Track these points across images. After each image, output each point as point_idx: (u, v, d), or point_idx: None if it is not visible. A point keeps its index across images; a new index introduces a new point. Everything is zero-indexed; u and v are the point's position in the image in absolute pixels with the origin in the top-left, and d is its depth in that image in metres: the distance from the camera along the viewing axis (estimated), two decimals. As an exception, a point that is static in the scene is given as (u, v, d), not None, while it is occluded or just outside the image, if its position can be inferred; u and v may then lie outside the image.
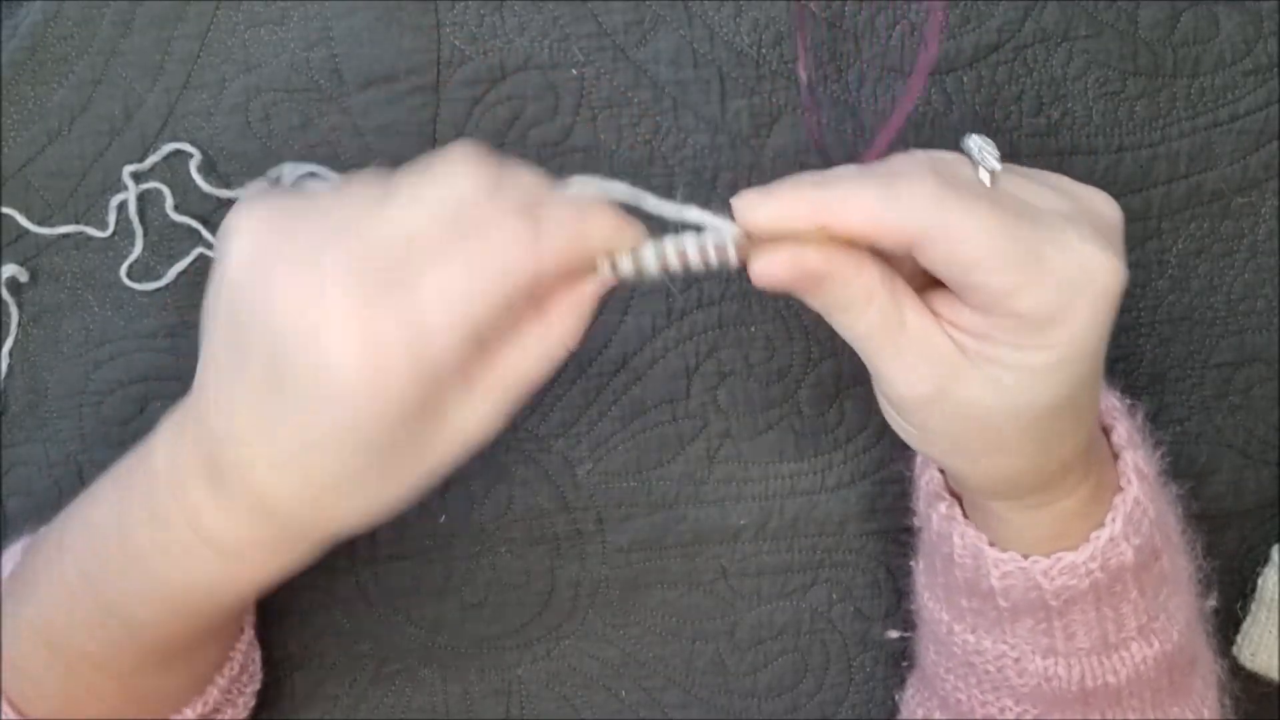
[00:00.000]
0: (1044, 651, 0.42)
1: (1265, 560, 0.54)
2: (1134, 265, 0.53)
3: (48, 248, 0.50)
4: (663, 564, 0.53)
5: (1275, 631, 0.53)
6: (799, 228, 0.33)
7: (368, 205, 0.32)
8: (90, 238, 0.50)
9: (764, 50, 0.50)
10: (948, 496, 0.43)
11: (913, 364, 0.35)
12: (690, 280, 0.51)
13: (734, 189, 0.51)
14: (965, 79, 0.51)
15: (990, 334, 0.34)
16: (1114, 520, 0.40)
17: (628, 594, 0.53)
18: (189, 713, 0.43)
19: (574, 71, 0.50)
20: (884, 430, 0.52)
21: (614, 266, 0.34)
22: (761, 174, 0.51)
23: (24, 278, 0.50)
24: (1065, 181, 0.37)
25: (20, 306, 0.50)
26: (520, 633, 0.53)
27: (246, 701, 0.48)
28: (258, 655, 0.49)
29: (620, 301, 0.51)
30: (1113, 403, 0.43)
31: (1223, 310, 0.53)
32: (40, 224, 0.50)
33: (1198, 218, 0.52)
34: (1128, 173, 0.52)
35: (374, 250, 0.31)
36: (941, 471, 0.44)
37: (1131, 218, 0.52)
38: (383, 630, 0.53)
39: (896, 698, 0.52)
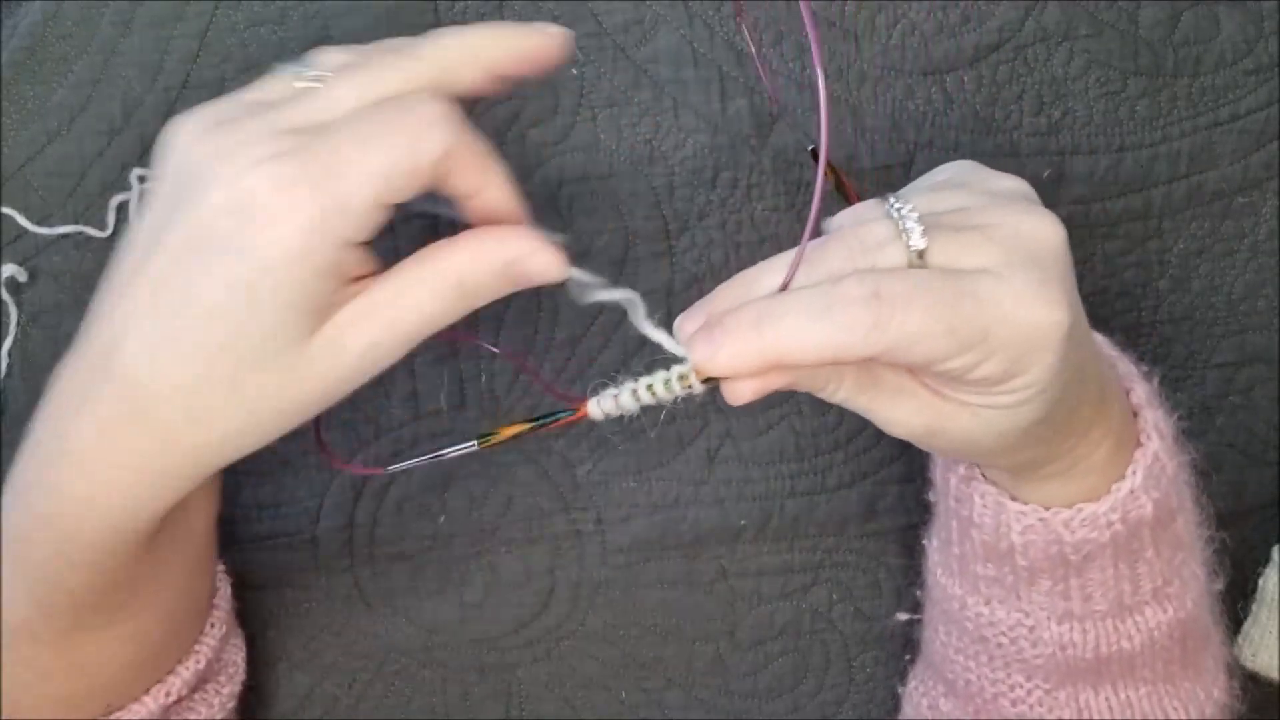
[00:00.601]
0: (1060, 616, 0.42)
1: (1265, 560, 0.54)
2: (1135, 265, 0.53)
3: (47, 248, 0.50)
4: (663, 564, 0.53)
5: (1275, 631, 0.53)
6: (754, 369, 0.35)
7: (294, 102, 0.34)
8: (90, 238, 0.50)
9: (764, 50, 0.50)
10: (964, 460, 0.44)
11: (900, 413, 0.37)
12: (690, 280, 0.51)
13: (734, 189, 0.51)
14: (965, 79, 0.51)
15: (959, 388, 0.36)
16: (1135, 473, 0.41)
17: (628, 594, 0.53)
18: (150, 702, 0.42)
19: (574, 71, 0.50)
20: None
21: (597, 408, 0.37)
22: (761, 174, 0.51)
23: (23, 277, 0.50)
24: (994, 211, 0.36)
25: (20, 306, 0.50)
26: (520, 633, 0.53)
27: (224, 703, 0.46)
28: (240, 656, 0.48)
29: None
30: (1130, 367, 0.44)
31: (1223, 310, 0.53)
32: (39, 224, 0.50)
33: (1198, 217, 0.52)
34: (1128, 172, 0.52)
35: (293, 122, 0.33)
36: None
37: (1132, 217, 0.52)
38: (383, 630, 0.53)
39: (899, 691, 0.52)
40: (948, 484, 0.44)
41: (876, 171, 0.51)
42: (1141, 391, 0.43)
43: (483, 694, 0.53)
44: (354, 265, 0.34)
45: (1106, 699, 0.44)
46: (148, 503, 0.36)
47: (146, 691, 0.43)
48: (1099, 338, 0.43)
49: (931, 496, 0.47)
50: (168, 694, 0.43)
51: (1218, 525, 0.53)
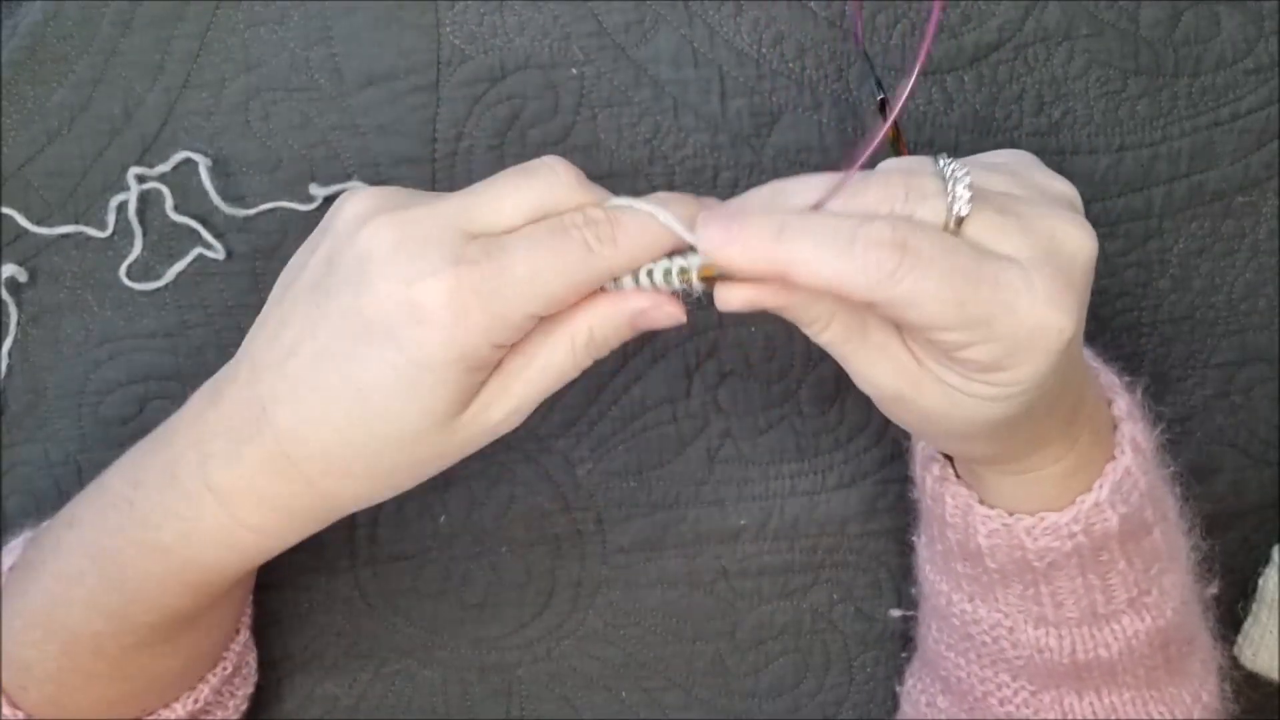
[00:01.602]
0: (1035, 620, 0.43)
1: (1266, 560, 0.54)
2: (1135, 265, 0.53)
3: (47, 248, 0.50)
4: (663, 564, 0.53)
5: (1276, 631, 0.53)
6: (759, 272, 0.35)
7: (470, 193, 0.36)
8: (90, 238, 0.50)
9: (764, 50, 0.50)
10: (940, 459, 0.44)
11: (876, 369, 0.37)
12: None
13: (734, 189, 0.51)
14: (966, 78, 0.51)
15: (943, 362, 0.36)
16: (1101, 486, 0.41)
17: (628, 594, 0.53)
18: (179, 709, 0.44)
19: (574, 71, 0.50)
20: (884, 430, 0.52)
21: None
22: (762, 173, 0.51)
23: (23, 278, 0.50)
24: (1039, 207, 0.36)
25: (20, 306, 0.50)
26: (520, 633, 0.53)
27: (238, 704, 0.48)
28: (253, 658, 0.49)
29: (620, 301, 0.51)
30: (1113, 379, 0.44)
31: (1224, 310, 0.53)
32: (39, 224, 0.50)
33: (1199, 217, 0.52)
34: (1129, 172, 0.52)
35: (471, 225, 0.35)
36: None
37: (1132, 217, 0.52)
38: (383, 630, 0.53)
39: (897, 690, 0.52)
40: (924, 482, 0.45)
41: (877, 171, 0.51)
42: (1123, 405, 0.43)
43: (483, 693, 0.53)
44: (502, 355, 0.36)
45: (1090, 703, 0.44)
46: (285, 540, 0.39)
47: (177, 698, 0.44)
48: (1085, 350, 0.43)
49: (914, 494, 0.47)
50: (196, 701, 0.44)
51: (1218, 525, 0.53)
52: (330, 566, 0.52)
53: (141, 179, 0.50)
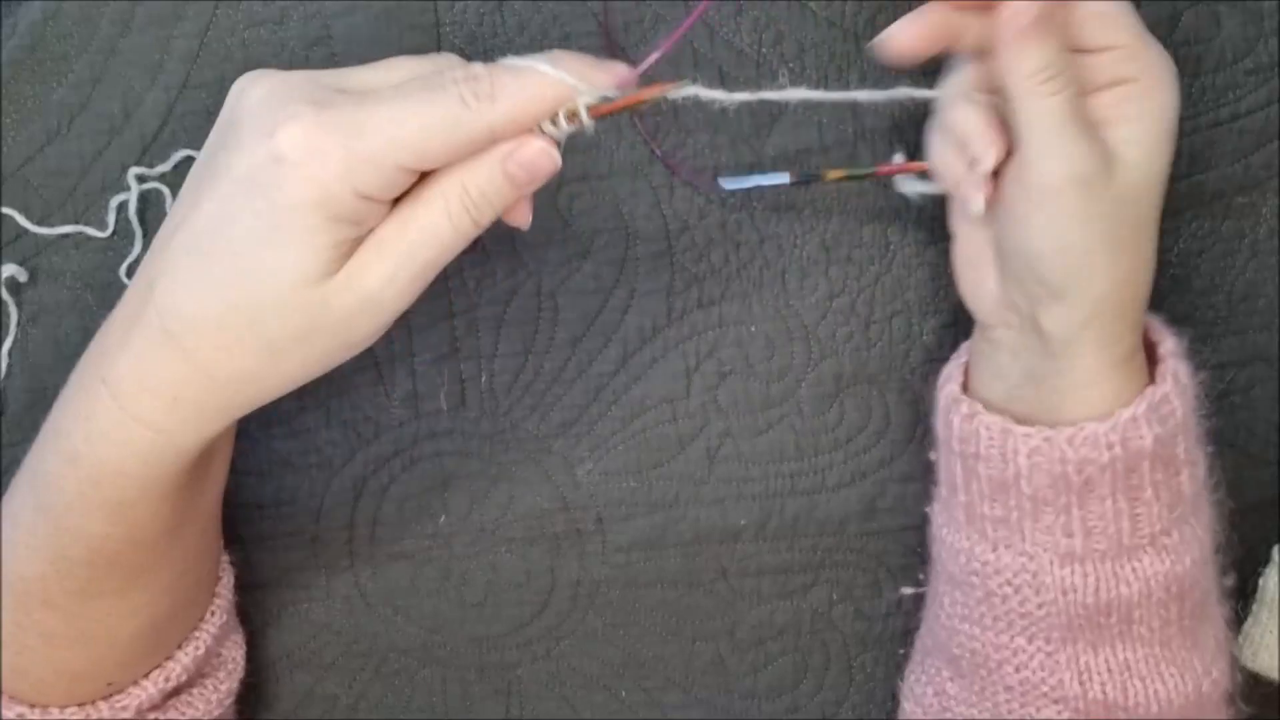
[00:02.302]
0: (1062, 556, 0.43)
1: (1265, 560, 0.54)
2: (1134, 265, 0.53)
3: (47, 247, 0.50)
4: (662, 564, 0.53)
5: (1276, 631, 0.53)
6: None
7: (348, 69, 0.37)
8: (90, 237, 0.50)
9: (764, 50, 0.50)
10: (966, 399, 0.45)
11: (1087, 147, 0.40)
12: (690, 280, 0.51)
13: (734, 189, 0.51)
14: (966, 78, 0.51)
15: (1110, 115, 0.41)
16: (1140, 403, 0.42)
17: (628, 594, 0.53)
18: (149, 686, 0.43)
19: (574, 71, 0.50)
20: (884, 429, 0.53)
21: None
22: (761, 174, 0.51)
23: (23, 278, 0.50)
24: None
25: (20, 306, 0.50)
26: (520, 632, 0.53)
27: (221, 699, 0.47)
28: (239, 653, 0.48)
29: (620, 301, 0.51)
30: (1161, 326, 0.46)
31: (1223, 309, 0.53)
32: (39, 224, 0.50)
33: (1198, 217, 0.52)
34: (1128, 172, 0.52)
35: (344, 84, 0.36)
36: (961, 387, 0.46)
37: (1132, 217, 0.52)
38: (382, 630, 0.53)
39: (899, 685, 0.52)
40: (950, 428, 0.45)
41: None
42: (1171, 343, 0.45)
43: (483, 693, 0.53)
44: (376, 216, 0.36)
45: (1105, 659, 0.44)
46: (178, 437, 0.37)
47: (146, 675, 0.43)
48: None
49: (933, 455, 0.48)
50: (167, 679, 0.43)
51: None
52: (330, 565, 0.52)
53: (142, 179, 0.50)
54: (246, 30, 0.49)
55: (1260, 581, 0.54)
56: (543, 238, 0.50)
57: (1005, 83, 0.40)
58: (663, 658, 0.53)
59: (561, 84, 0.36)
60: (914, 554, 0.53)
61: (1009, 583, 0.45)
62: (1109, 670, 0.44)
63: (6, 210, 0.50)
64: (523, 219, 0.39)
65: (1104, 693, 0.44)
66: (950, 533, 0.47)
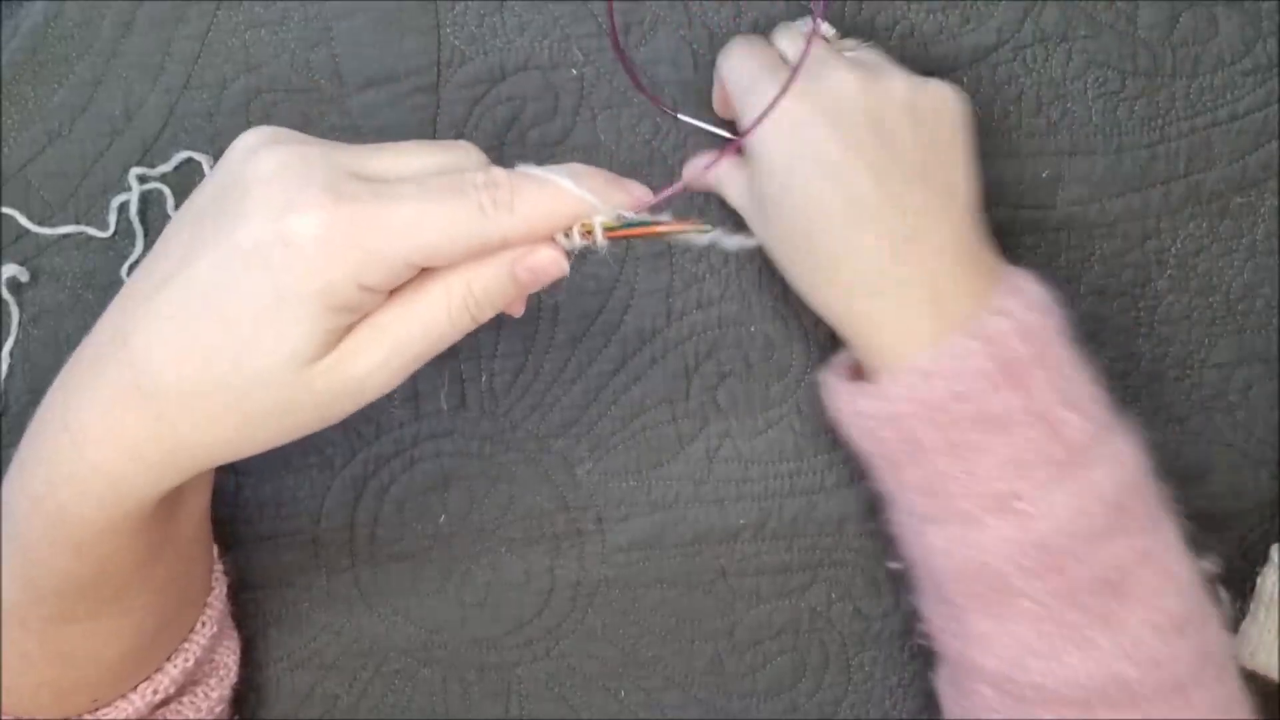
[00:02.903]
0: (921, 518, 0.44)
1: (1265, 560, 0.54)
2: (1133, 265, 0.53)
3: (48, 248, 0.50)
4: (662, 564, 0.53)
5: (1275, 631, 0.53)
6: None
7: (374, 145, 0.36)
8: (91, 238, 0.50)
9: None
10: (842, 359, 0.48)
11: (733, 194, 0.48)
12: (690, 281, 0.51)
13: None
14: (965, 79, 0.51)
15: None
16: (936, 351, 0.42)
17: (627, 594, 0.53)
18: (136, 699, 0.42)
19: (574, 71, 0.50)
20: (883, 430, 0.53)
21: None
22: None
23: (24, 278, 0.50)
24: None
25: (21, 306, 0.50)
26: (519, 632, 0.53)
27: (212, 705, 0.46)
28: (233, 659, 0.48)
29: (620, 301, 0.51)
30: (1019, 283, 0.44)
31: (1222, 310, 0.53)
32: (41, 224, 0.50)
33: (1196, 217, 0.52)
34: (1127, 172, 0.52)
35: (363, 170, 0.35)
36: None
37: (1130, 217, 0.52)
38: (382, 630, 0.53)
39: (932, 683, 0.52)
40: (837, 401, 0.48)
41: (875, 172, 0.51)
42: (1013, 317, 0.42)
43: (482, 693, 0.53)
44: (374, 304, 0.35)
45: (1001, 631, 0.43)
46: (139, 488, 0.36)
47: (134, 689, 0.43)
48: (1011, 268, 0.44)
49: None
50: (154, 692, 0.43)
51: (1216, 525, 0.53)
52: (330, 565, 0.52)
53: (143, 179, 0.50)
54: (248, 32, 0.49)
55: (1259, 581, 0.54)
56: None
57: None
58: (662, 657, 0.54)
59: (581, 202, 0.35)
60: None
61: (915, 545, 0.46)
62: (1005, 643, 0.43)
63: (8, 211, 0.50)
64: (517, 310, 0.39)
65: (1003, 668, 0.43)
66: (893, 510, 0.48)
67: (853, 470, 0.53)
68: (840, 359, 0.48)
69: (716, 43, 0.50)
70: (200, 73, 0.49)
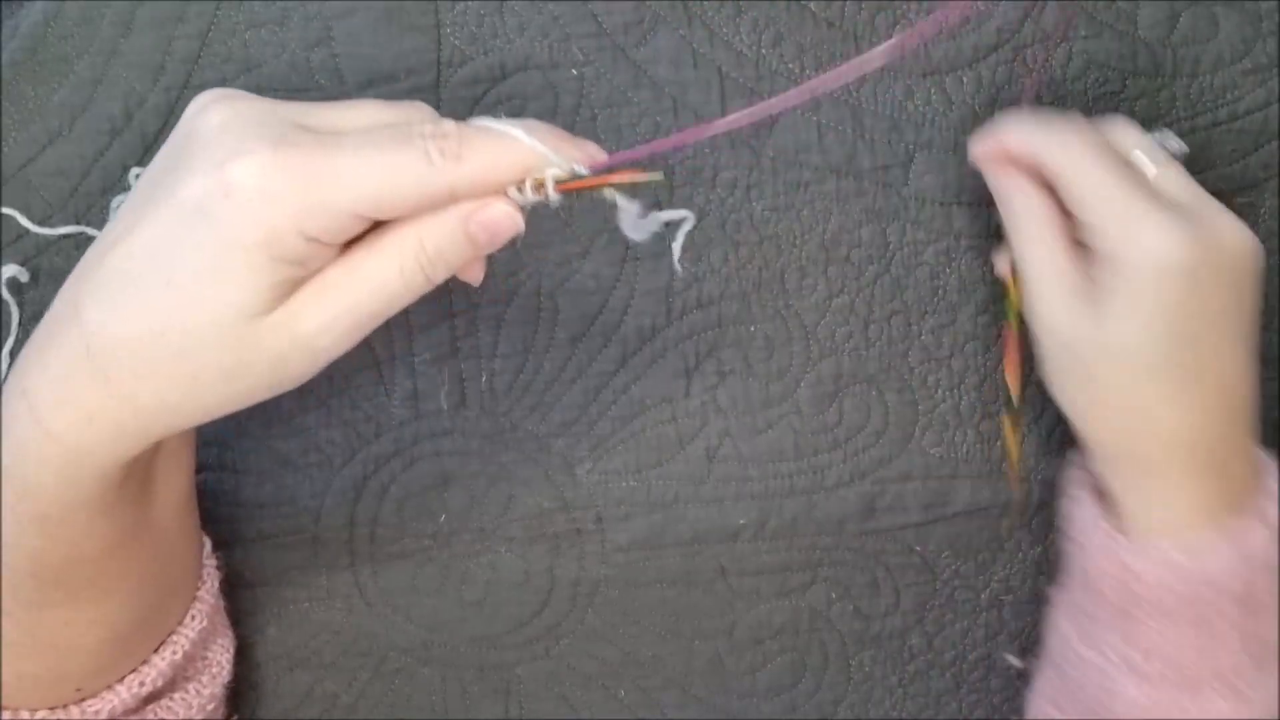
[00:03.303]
0: (1130, 671, 0.44)
1: (1264, 560, 0.54)
2: (1133, 265, 0.53)
3: (48, 248, 0.50)
4: (662, 563, 0.53)
5: (1275, 631, 0.53)
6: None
7: (324, 103, 0.36)
8: (91, 238, 0.50)
9: (764, 50, 0.50)
10: (1081, 476, 0.48)
11: (1063, 296, 0.44)
12: (690, 281, 0.51)
13: (734, 189, 0.51)
14: (965, 79, 0.51)
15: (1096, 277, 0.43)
16: (1212, 529, 0.43)
17: (627, 593, 0.53)
18: (123, 690, 0.42)
19: (574, 71, 0.50)
20: (883, 429, 0.53)
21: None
22: (761, 174, 0.51)
23: (24, 278, 0.50)
24: (1214, 205, 0.44)
25: (21, 307, 0.50)
26: (519, 631, 0.53)
27: (203, 703, 0.46)
28: (226, 657, 0.48)
29: (620, 301, 0.51)
30: (1274, 466, 0.45)
31: (1222, 310, 0.53)
32: (41, 224, 0.50)
33: (1197, 218, 0.52)
34: (1127, 173, 0.52)
35: (310, 122, 0.35)
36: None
37: (1130, 218, 0.52)
38: (382, 629, 0.53)
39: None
40: (1064, 506, 0.49)
41: (876, 171, 0.51)
42: (1273, 484, 0.44)
43: (482, 692, 0.54)
44: (322, 260, 0.34)
45: None
46: (97, 457, 0.36)
47: (120, 680, 0.42)
48: (1270, 460, 0.46)
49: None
50: (141, 684, 0.43)
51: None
52: (329, 565, 0.52)
53: (126, 200, 0.50)
54: (248, 31, 0.49)
55: (1259, 581, 0.54)
56: (543, 238, 0.51)
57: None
58: (661, 657, 0.54)
59: (531, 152, 0.35)
60: (912, 553, 0.53)
61: (1096, 682, 0.45)
62: None
63: (7, 211, 0.50)
64: (475, 276, 0.38)
65: None
66: (1061, 617, 0.49)
67: (853, 470, 0.53)
68: (1084, 480, 0.48)
69: (716, 43, 0.50)
70: (200, 73, 0.49)
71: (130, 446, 0.36)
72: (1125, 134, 0.46)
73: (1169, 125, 0.52)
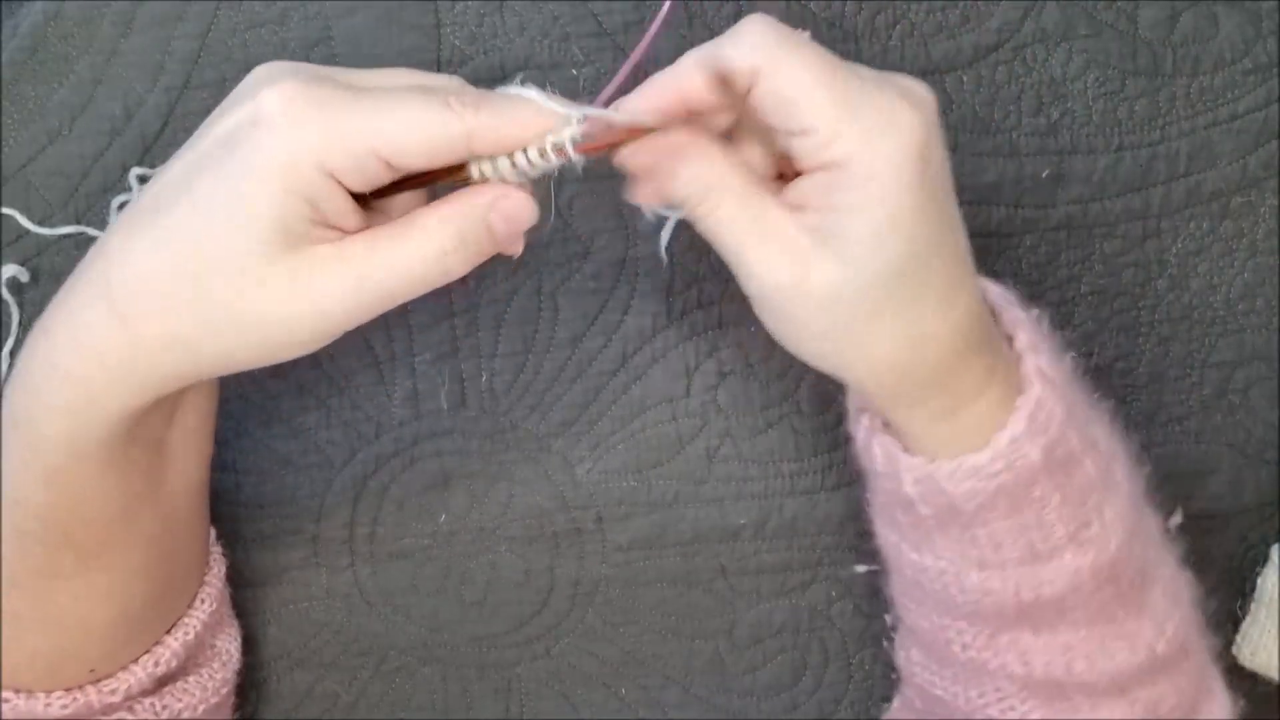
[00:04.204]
0: (976, 564, 0.42)
1: (1264, 560, 0.55)
2: (1133, 265, 0.53)
3: (48, 248, 0.50)
4: (662, 563, 0.53)
5: (1275, 631, 0.53)
6: (647, 121, 0.37)
7: (355, 70, 0.38)
8: (91, 238, 0.50)
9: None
10: (868, 411, 0.44)
11: (773, 253, 0.38)
12: (690, 281, 0.51)
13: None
14: (965, 79, 0.51)
15: (821, 203, 0.37)
16: (1016, 420, 0.40)
17: (627, 592, 0.53)
18: (138, 670, 0.42)
19: (574, 71, 0.50)
20: (883, 429, 0.53)
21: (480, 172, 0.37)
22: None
23: (25, 278, 0.50)
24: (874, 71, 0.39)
25: (21, 307, 0.50)
26: (520, 631, 0.53)
27: (217, 687, 0.46)
28: (234, 646, 0.48)
29: (620, 301, 0.51)
30: (1017, 313, 0.43)
31: (1222, 310, 0.53)
32: (41, 224, 0.50)
33: (1197, 217, 0.52)
34: (1127, 172, 0.52)
35: (340, 76, 0.36)
36: None
37: (1130, 217, 0.52)
38: (382, 628, 0.53)
39: (886, 646, 0.52)
40: (857, 435, 0.45)
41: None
42: (1025, 337, 0.42)
43: (482, 691, 0.54)
44: (340, 214, 0.35)
45: (1045, 642, 0.43)
46: (102, 400, 0.36)
47: (135, 661, 0.43)
48: (986, 283, 0.43)
49: (854, 451, 0.47)
50: (156, 664, 0.43)
51: (1215, 525, 0.54)
52: (330, 564, 0.52)
53: (143, 179, 0.50)
54: (248, 31, 0.49)
55: (1259, 581, 0.54)
56: (543, 237, 0.51)
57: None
58: (662, 656, 0.54)
59: (546, 110, 0.36)
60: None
61: (934, 580, 0.44)
62: (1049, 650, 0.43)
63: (8, 211, 0.50)
64: (516, 248, 0.39)
65: (1048, 671, 0.43)
66: (881, 526, 0.46)
67: (853, 470, 0.53)
68: (861, 407, 0.44)
69: (716, 42, 0.50)
70: (200, 72, 0.49)
71: (139, 393, 0.36)
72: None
73: (1170, 124, 0.52)
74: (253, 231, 0.34)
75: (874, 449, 0.43)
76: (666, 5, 0.39)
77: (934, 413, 0.40)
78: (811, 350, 0.41)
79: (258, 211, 0.34)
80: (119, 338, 0.35)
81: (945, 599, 0.44)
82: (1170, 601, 0.44)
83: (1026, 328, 0.42)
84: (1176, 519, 0.46)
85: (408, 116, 0.34)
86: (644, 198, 0.40)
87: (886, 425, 0.43)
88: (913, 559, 0.44)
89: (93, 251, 0.37)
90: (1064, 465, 0.41)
